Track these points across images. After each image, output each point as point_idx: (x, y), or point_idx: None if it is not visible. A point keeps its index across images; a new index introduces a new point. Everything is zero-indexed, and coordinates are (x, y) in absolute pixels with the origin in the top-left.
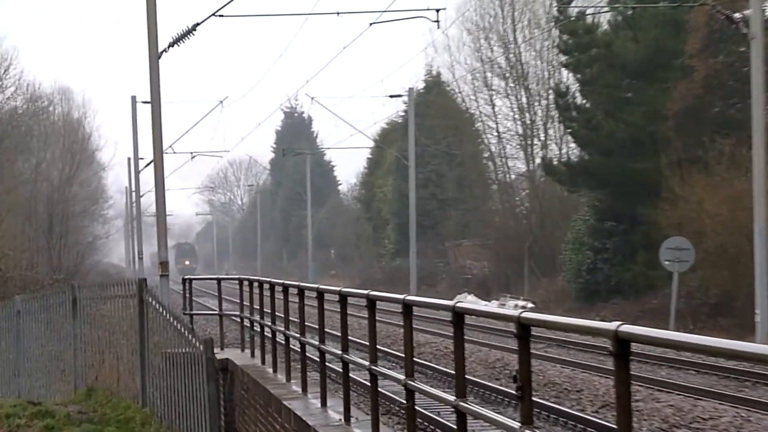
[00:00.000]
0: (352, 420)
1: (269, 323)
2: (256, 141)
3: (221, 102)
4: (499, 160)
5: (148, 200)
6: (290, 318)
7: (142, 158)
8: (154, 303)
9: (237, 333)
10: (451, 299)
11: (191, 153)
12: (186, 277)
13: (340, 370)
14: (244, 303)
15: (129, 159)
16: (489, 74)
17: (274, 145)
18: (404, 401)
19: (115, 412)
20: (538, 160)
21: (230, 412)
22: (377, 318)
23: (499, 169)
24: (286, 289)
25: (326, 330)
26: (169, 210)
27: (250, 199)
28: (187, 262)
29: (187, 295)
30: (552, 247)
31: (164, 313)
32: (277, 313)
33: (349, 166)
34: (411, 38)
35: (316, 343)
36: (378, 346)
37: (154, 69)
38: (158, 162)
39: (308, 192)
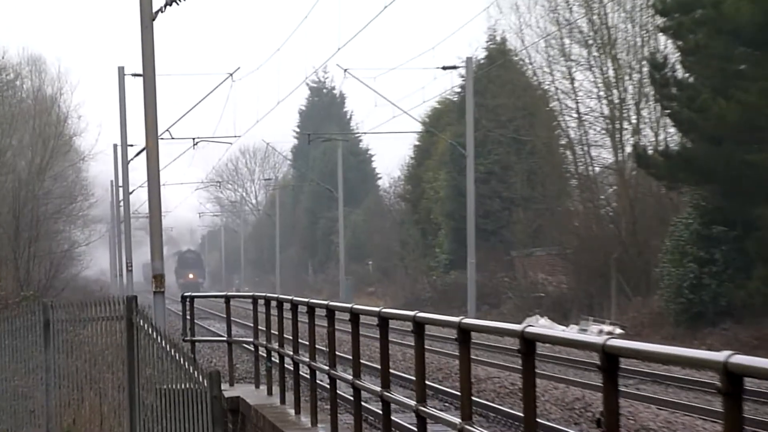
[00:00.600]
0: None
1: (291, 352)
2: (274, 124)
3: (231, 75)
4: (580, 149)
5: (140, 198)
6: (317, 346)
7: (132, 145)
8: (146, 327)
9: (250, 365)
10: (519, 323)
11: (193, 139)
12: (186, 294)
13: (379, 411)
14: (260, 327)
15: (115, 146)
16: (567, 41)
17: (297, 130)
18: None
19: None
20: (628, 149)
21: None
22: (426, 346)
23: (579, 160)
24: (311, 309)
25: (361, 361)
26: (166, 209)
27: (267, 196)
28: (191, 276)
29: (188, 317)
30: (646, 259)
31: (159, 340)
32: (300, 341)
33: (391, 155)
34: None
35: (350, 377)
36: (427, 381)
37: (147, 33)
38: (152, 150)
39: (340, 188)
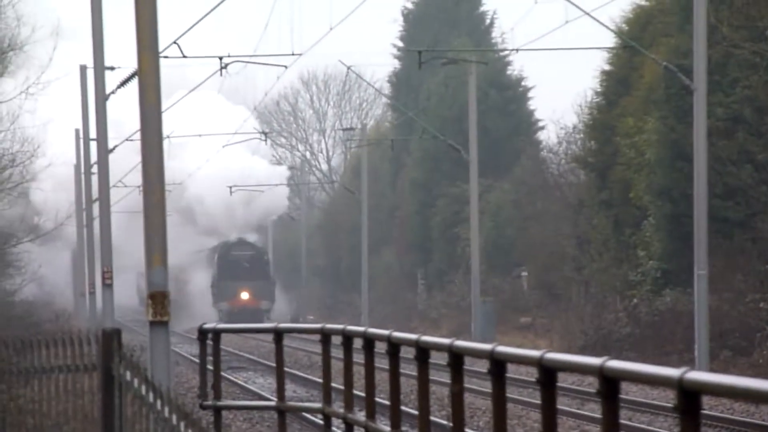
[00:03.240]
0: None
1: (388, 429)
2: (359, 35)
3: None
4: None
5: (126, 160)
6: (433, 418)
7: (113, 68)
8: (136, 383)
9: None
10: None
11: (221, 58)
12: (207, 327)
13: None
14: (334, 384)
15: (84, 69)
16: None
17: (400, 44)
18: None
19: None
20: None
21: None
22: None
23: None
24: (423, 353)
25: None
26: (173, 178)
27: (347, 159)
28: (245, 296)
29: (209, 365)
30: None
31: (159, 406)
32: (405, 408)
33: (561, 89)
34: None
35: None
36: None
37: None
38: (149, 74)
39: (472, 144)
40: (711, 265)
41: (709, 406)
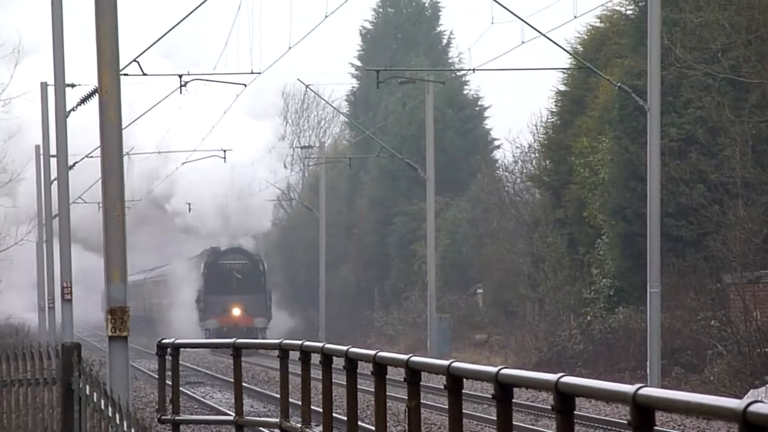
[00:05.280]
0: None
1: None
2: (318, 53)
3: None
4: None
5: (84, 174)
6: None
7: (74, 85)
8: (95, 397)
9: None
10: (736, 396)
11: (180, 76)
12: (165, 342)
13: None
14: (290, 399)
15: (45, 86)
16: None
17: (358, 63)
18: None
19: None
20: None
21: None
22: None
23: None
24: (381, 369)
25: None
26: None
27: (305, 177)
28: (237, 312)
29: (168, 381)
30: None
31: (118, 420)
32: (363, 424)
33: (517, 109)
34: None
35: None
36: None
37: None
38: (110, 92)
39: (429, 163)
40: (663, 283)
41: (661, 421)
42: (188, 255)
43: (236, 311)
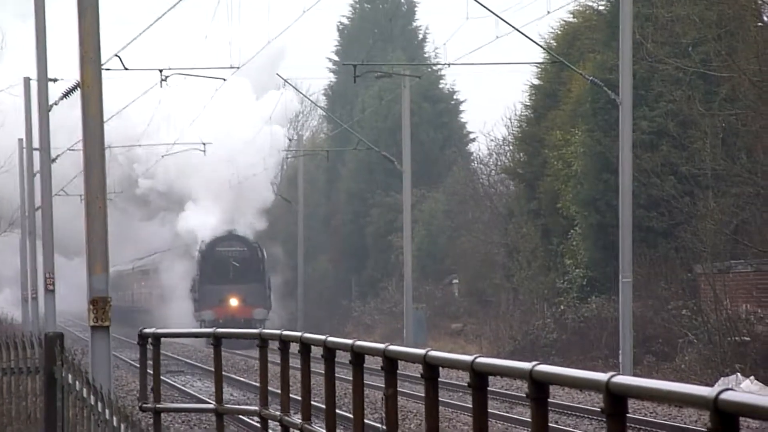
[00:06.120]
0: None
1: (323, 431)
2: (297, 49)
3: None
4: None
5: (67, 167)
6: (368, 420)
7: (56, 80)
8: (78, 386)
9: None
10: (708, 384)
11: (161, 71)
12: (147, 332)
13: None
14: (269, 387)
15: (27, 81)
16: None
17: (335, 58)
18: None
19: None
20: None
21: None
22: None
23: None
24: (359, 358)
25: None
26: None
27: (284, 170)
28: (234, 302)
29: (149, 369)
30: None
31: (100, 408)
32: (340, 411)
33: (491, 103)
34: None
35: None
36: None
37: None
38: (92, 87)
39: (406, 156)
40: (635, 273)
41: (633, 409)
42: (180, 243)
43: (234, 302)
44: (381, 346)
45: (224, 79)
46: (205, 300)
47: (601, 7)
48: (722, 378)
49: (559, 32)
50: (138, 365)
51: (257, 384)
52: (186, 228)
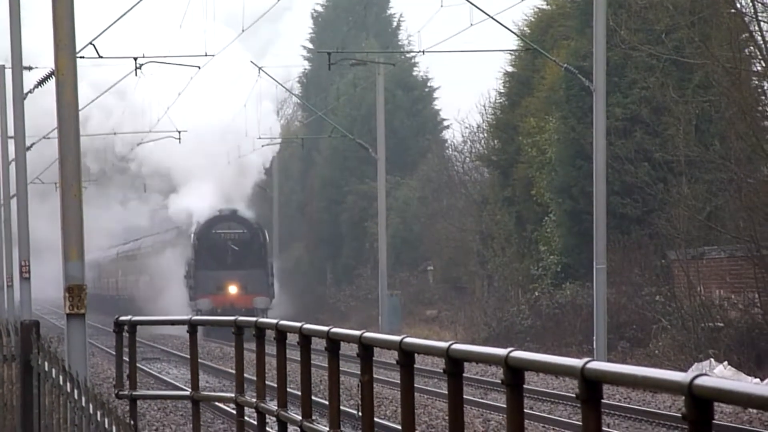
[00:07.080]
0: None
1: (299, 417)
2: (270, 37)
3: None
4: None
5: (45, 154)
6: (343, 407)
7: (31, 68)
8: (54, 374)
9: None
10: (681, 369)
11: (135, 59)
12: (123, 319)
13: None
14: (245, 375)
15: (2, 68)
16: None
17: (310, 45)
18: None
19: None
20: None
21: None
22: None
23: None
24: (334, 345)
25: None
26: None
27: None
28: (233, 289)
29: (125, 357)
30: None
31: (76, 395)
32: (316, 398)
33: (465, 90)
34: None
35: None
36: None
37: None
38: (66, 75)
39: (380, 143)
40: (609, 259)
41: (607, 395)
42: (171, 223)
43: (233, 289)
44: (357, 333)
45: (199, 67)
46: (200, 287)
47: None
48: (696, 363)
49: (533, 19)
50: (113, 352)
51: (233, 371)
52: (179, 208)
